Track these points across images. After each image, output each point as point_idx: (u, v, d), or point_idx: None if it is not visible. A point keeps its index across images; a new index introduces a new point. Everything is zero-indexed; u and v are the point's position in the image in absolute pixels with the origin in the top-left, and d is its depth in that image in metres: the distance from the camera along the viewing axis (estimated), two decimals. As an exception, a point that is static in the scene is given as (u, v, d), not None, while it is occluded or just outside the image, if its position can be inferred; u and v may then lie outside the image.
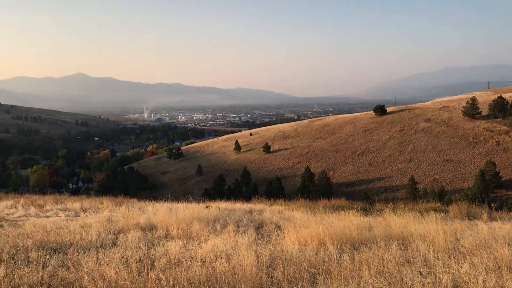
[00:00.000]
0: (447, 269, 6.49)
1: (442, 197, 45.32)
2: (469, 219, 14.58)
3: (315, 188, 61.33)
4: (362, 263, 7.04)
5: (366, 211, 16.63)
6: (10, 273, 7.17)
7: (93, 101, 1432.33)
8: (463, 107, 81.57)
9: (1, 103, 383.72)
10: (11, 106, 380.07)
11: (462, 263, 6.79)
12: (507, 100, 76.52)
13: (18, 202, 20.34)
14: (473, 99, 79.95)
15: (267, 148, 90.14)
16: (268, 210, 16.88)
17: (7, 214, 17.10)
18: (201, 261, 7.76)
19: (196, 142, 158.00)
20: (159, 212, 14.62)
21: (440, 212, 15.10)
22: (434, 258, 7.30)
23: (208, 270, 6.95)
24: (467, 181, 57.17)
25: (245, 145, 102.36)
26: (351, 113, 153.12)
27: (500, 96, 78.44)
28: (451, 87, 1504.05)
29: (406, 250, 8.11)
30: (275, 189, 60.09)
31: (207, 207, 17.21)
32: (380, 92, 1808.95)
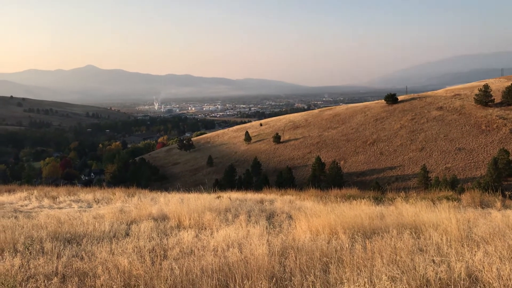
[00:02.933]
0: (461, 258, 6.45)
1: (454, 186, 44.99)
2: (482, 208, 14.46)
3: (326, 178, 61.26)
4: (374, 252, 7.02)
5: (377, 200, 16.56)
6: (25, 263, 7.28)
7: (103, 93, 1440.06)
8: (476, 94, 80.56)
9: (13, 96, 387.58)
10: (23, 99, 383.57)
11: (475, 251, 6.74)
12: (521, 87, 75.42)
13: (32, 194, 20.59)
14: (486, 86, 78.92)
15: (277, 139, 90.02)
16: (279, 200, 16.89)
17: (21, 205, 17.33)
18: (214, 250, 7.80)
19: (206, 133, 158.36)
20: (171, 202, 14.70)
21: (452, 201, 15.00)
22: (447, 246, 7.25)
23: (220, 260, 6.99)
24: (480, 170, 56.68)
25: (255, 135, 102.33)
26: (362, 102, 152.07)
27: (514, 83, 77.34)
28: (462, 75, 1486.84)
29: (418, 238, 8.06)
30: (285, 179, 60.11)
31: (218, 197, 17.26)
32: (391, 81, 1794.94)
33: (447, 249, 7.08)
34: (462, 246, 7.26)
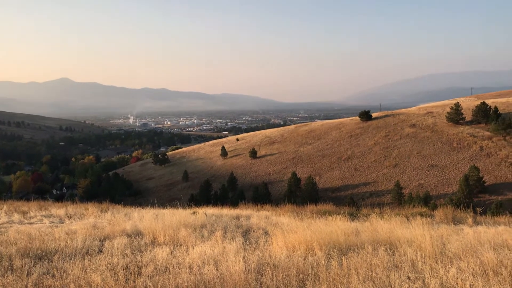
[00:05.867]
0: (435, 274, 6.53)
1: (427, 202, 45.75)
2: (454, 224, 14.71)
3: (301, 193, 61.49)
4: (350, 268, 7.04)
5: (353, 216, 16.68)
6: (-7, 281, 7.03)
7: (77, 106, 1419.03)
8: (447, 112, 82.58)
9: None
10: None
11: (449, 267, 6.83)
12: (490, 106, 77.72)
13: (1, 209, 20.01)
14: (457, 104, 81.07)
15: (253, 154, 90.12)
16: (255, 216, 16.84)
17: (-10, 221, 16.79)
18: (189, 267, 7.68)
19: (182, 148, 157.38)
20: (145, 218, 14.48)
21: (426, 217, 15.21)
22: (422, 263, 7.33)
23: (196, 277, 6.89)
24: (452, 186, 57.82)
25: (231, 150, 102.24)
26: (337, 118, 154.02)
27: (483, 102, 79.61)
28: (435, 93, 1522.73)
29: (393, 255, 8.13)
30: (262, 194, 60.11)
31: (194, 213, 17.10)
32: (365, 98, 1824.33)
33: (421, 266, 7.16)
34: (436, 262, 7.35)
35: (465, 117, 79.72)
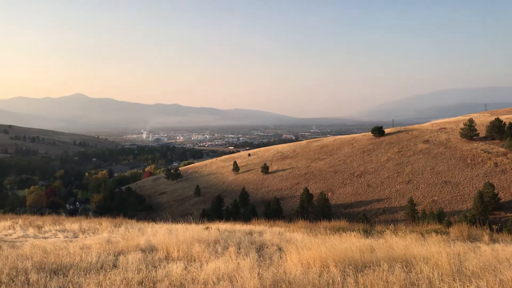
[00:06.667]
0: (453, 292, 6.43)
1: (441, 219, 45.10)
2: (470, 241, 14.49)
3: (314, 209, 61.08)
4: (367, 286, 6.98)
5: (367, 233, 16.53)
6: (10, 295, 7.08)
7: (91, 121, 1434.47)
8: (461, 128, 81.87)
9: (0, 123, 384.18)
10: (10, 126, 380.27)
11: (468, 286, 6.73)
12: (504, 122, 76.92)
13: (16, 223, 20.21)
14: (471, 120, 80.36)
15: (265, 169, 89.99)
16: (268, 232, 16.77)
17: (5, 235, 16.97)
18: (204, 283, 7.68)
19: (194, 163, 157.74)
20: (158, 233, 14.52)
21: (441, 234, 15.03)
22: (439, 280, 7.24)
23: (211, 293, 6.88)
24: (466, 203, 57.01)
25: (243, 165, 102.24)
26: (349, 134, 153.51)
27: (497, 118, 78.84)
28: (447, 109, 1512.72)
29: (410, 272, 8.03)
30: (273, 210, 59.81)
31: (206, 228, 17.10)
32: (378, 114, 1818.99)
33: (439, 284, 7.07)
34: (454, 280, 7.25)
35: (479, 133, 78.94)
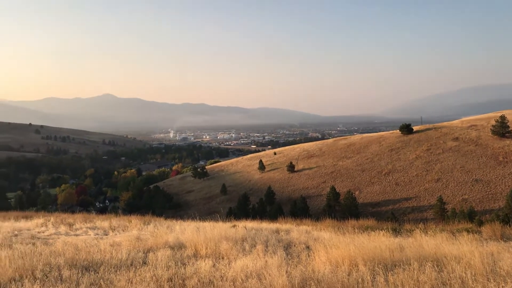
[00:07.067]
0: (488, 293, 6.28)
1: (472, 218, 44.06)
2: (504, 241, 14.11)
3: (341, 208, 60.63)
4: (397, 285, 6.88)
5: (395, 232, 16.30)
6: (45, 290, 7.26)
7: (120, 121, 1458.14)
8: (492, 125, 79.78)
9: (32, 123, 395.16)
10: (41, 126, 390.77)
11: (503, 286, 6.56)
12: (539, 119, 74.60)
13: (49, 221, 20.72)
14: (503, 117, 78.23)
15: (291, 167, 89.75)
16: (295, 230, 16.72)
17: (38, 232, 17.42)
18: (232, 281, 7.70)
19: (220, 161, 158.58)
20: (187, 231, 14.64)
21: (473, 233, 14.70)
22: (472, 280, 7.07)
23: (240, 291, 6.90)
24: (498, 202, 55.58)
25: (269, 164, 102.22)
26: (377, 132, 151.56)
27: (531, 114, 76.56)
28: (478, 106, 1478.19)
29: (441, 272, 7.88)
30: (300, 208, 59.63)
31: (233, 226, 17.16)
32: (406, 111, 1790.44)
33: (472, 284, 6.91)
34: (488, 280, 7.07)
35: (511, 130, 76.79)
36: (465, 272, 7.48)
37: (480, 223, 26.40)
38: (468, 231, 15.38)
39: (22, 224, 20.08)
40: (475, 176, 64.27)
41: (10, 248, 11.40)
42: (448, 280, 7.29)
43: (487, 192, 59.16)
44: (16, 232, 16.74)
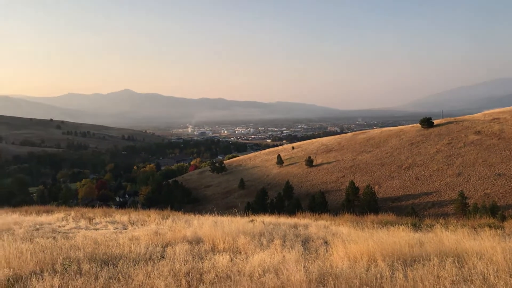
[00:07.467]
0: (510, 289, 6.14)
1: (494, 213, 43.31)
2: (527, 236, 13.81)
3: (360, 203, 60.20)
4: (416, 281, 6.77)
5: (415, 227, 16.10)
6: (64, 284, 7.36)
7: (139, 116, 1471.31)
8: (516, 118, 78.17)
9: (53, 119, 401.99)
10: (62, 122, 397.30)
11: (526, 283, 6.41)
12: None
13: (69, 215, 21.04)
14: (526, 110, 76.60)
15: (309, 162, 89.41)
16: (313, 225, 16.65)
17: (59, 226, 17.70)
18: (250, 275, 7.68)
19: (238, 156, 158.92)
20: (204, 225, 14.69)
21: (495, 229, 14.42)
22: (494, 277, 6.92)
23: (257, 285, 6.88)
24: (522, 196, 54.51)
25: (287, 158, 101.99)
26: (396, 125, 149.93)
27: (556, 107, 74.76)
28: (501, 99, 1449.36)
29: (462, 267, 7.73)
30: (318, 203, 59.40)
31: (251, 221, 17.17)
32: (426, 105, 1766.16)
33: (494, 280, 6.76)
34: (511, 276, 6.90)
35: (535, 123, 75.16)
36: (487, 268, 7.33)
37: (503, 218, 25.94)
38: (490, 227, 15.11)
39: (44, 218, 20.43)
40: (498, 171, 63.08)
41: (31, 242, 11.58)
42: (469, 276, 7.15)
43: (511, 187, 58.04)
44: (37, 226, 17.04)
